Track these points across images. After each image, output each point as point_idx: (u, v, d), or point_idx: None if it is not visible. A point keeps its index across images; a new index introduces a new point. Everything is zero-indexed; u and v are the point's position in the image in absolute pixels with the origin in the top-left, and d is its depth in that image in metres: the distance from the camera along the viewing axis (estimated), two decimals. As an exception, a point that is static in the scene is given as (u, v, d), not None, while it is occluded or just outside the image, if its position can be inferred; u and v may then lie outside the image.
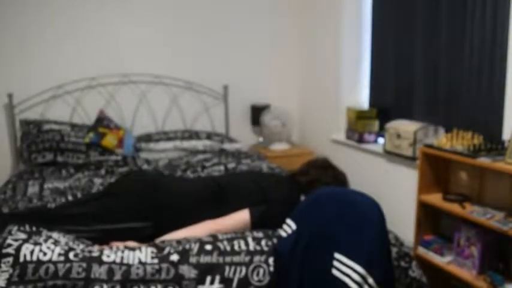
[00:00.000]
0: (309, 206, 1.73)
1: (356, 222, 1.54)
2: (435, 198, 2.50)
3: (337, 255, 1.50)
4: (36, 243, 1.57)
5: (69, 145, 3.14)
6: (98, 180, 2.74)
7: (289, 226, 1.70)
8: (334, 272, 1.49)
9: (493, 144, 2.26)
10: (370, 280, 1.44)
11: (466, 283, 2.29)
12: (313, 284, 1.54)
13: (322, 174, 2.21)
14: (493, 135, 2.44)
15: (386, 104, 3.35)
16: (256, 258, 1.67)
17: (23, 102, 3.34)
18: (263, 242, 1.74)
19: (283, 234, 1.71)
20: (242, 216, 1.93)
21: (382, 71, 3.39)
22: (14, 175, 2.95)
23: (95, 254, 1.58)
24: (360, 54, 3.56)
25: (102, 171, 2.95)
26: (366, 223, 1.53)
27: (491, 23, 2.46)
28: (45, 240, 1.59)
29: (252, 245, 1.71)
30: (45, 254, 1.53)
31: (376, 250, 1.50)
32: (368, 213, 1.56)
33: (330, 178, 2.21)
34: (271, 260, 1.68)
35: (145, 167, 3.05)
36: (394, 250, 1.88)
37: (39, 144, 3.10)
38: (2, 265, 1.49)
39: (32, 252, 1.52)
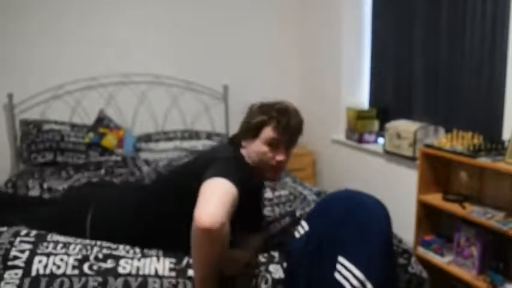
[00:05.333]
0: (321, 207, 1.73)
1: (360, 225, 1.52)
2: (435, 198, 2.50)
3: (340, 259, 1.49)
4: (47, 254, 1.48)
5: (69, 145, 3.15)
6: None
7: (303, 227, 1.71)
8: (336, 275, 1.48)
9: (493, 144, 2.26)
10: (369, 286, 1.42)
11: (466, 283, 2.29)
12: (319, 287, 1.53)
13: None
14: (493, 135, 2.44)
15: (386, 104, 3.35)
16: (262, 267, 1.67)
17: (23, 102, 3.34)
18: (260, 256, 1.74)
19: (297, 234, 1.72)
20: None
21: (382, 71, 3.39)
22: (14, 175, 2.94)
23: (110, 265, 1.50)
24: (360, 54, 3.56)
25: (102, 172, 2.95)
26: (369, 226, 1.51)
27: (491, 22, 2.46)
28: (55, 248, 1.51)
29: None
30: (58, 267, 1.45)
31: (377, 254, 1.47)
32: (372, 216, 1.54)
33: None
34: (271, 267, 1.68)
35: (145, 168, 3.04)
36: (392, 248, 1.88)
37: (39, 144, 3.10)
38: (6, 276, 1.40)
39: (45, 267, 1.44)
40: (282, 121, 1.67)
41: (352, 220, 1.55)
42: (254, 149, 1.70)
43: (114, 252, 1.54)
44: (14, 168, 3.32)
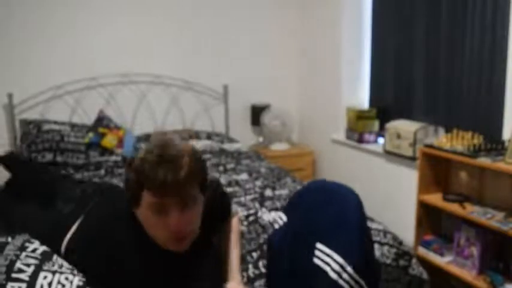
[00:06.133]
0: (298, 198, 1.78)
1: (336, 212, 1.58)
2: (435, 198, 2.50)
3: (318, 245, 1.54)
4: (53, 272, 1.44)
5: (68, 145, 3.14)
6: (96, 181, 2.74)
7: (281, 218, 1.75)
8: (316, 260, 1.52)
9: (493, 144, 2.26)
10: (349, 268, 1.47)
11: (466, 283, 2.29)
12: (299, 274, 1.58)
13: None
14: (493, 135, 2.44)
15: (386, 104, 3.35)
16: (257, 283, 1.67)
17: (23, 102, 3.34)
18: (260, 264, 1.74)
19: (276, 226, 1.76)
20: None
21: (382, 71, 3.39)
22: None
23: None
24: (360, 54, 3.56)
25: (102, 172, 2.95)
26: (344, 214, 1.56)
27: (491, 23, 2.46)
28: (60, 266, 1.47)
29: (251, 271, 1.71)
30: (63, 286, 1.41)
31: (355, 239, 1.53)
32: (346, 203, 1.59)
33: None
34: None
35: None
36: (392, 250, 1.89)
37: (39, 144, 3.09)
38: None
39: (50, 284, 1.40)
40: (158, 179, 1.16)
41: (328, 208, 1.60)
42: (143, 220, 1.25)
43: None
44: (13, 168, 3.32)
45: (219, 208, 1.55)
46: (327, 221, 1.57)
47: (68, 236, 1.48)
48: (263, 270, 1.71)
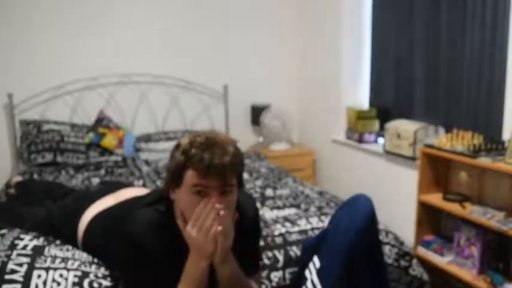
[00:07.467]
0: (338, 207, 1.76)
1: (333, 232, 1.55)
2: (435, 198, 2.50)
3: (315, 259, 1.54)
4: (46, 269, 1.44)
5: (68, 145, 3.14)
6: (96, 181, 2.75)
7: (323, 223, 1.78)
8: (306, 273, 1.53)
9: (493, 144, 2.26)
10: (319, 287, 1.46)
11: (466, 283, 2.29)
12: (296, 282, 1.61)
13: None
14: (493, 135, 2.44)
15: (386, 104, 3.35)
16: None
17: (23, 102, 3.34)
18: (264, 255, 1.74)
19: (316, 232, 1.80)
20: None
21: (382, 71, 3.39)
22: (14, 175, 2.94)
23: (110, 283, 1.48)
24: (360, 54, 3.56)
25: (102, 172, 2.95)
26: (338, 236, 1.52)
27: (491, 23, 2.46)
28: (53, 262, 1.47)
29: None
30: (58, 284, 1.40)
31: (335, 262, 1.47)
32: (352, 226, 1.51)
33: None
34: (273, 275, 1.68)
35: (144, 168, 3.04)
36: (394, 250, 1.89)
37: (38, 144, 3.10)
38: None
39: (44, 283, 1.39)
40: (204, 160, 1.26)
41: (337, 224, 1.58)
42: (181, 201, 1.33)
43: (113, 273, 1.53)
44: (14, 169, 3.32)
45: (250, 236, 1.51)
46: (329, 236, 1.56)
47: (96, 208, 1.60)
48: (266, 261, 1.71)
